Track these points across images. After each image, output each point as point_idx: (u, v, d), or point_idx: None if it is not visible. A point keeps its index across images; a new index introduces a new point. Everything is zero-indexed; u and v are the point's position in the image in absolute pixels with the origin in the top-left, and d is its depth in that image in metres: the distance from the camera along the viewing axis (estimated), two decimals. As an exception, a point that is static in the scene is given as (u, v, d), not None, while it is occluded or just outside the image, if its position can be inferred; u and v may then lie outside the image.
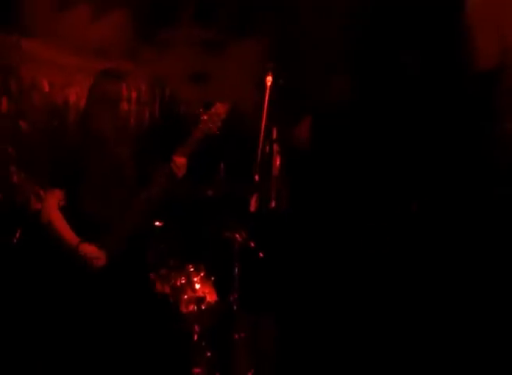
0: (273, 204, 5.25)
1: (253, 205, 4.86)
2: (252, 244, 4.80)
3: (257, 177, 4.55)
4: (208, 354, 4.69)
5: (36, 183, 5.39)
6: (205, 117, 4.30)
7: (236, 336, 4.72)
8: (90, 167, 4.23)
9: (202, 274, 4.90)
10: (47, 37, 6.20)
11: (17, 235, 5.12)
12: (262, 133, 4.59)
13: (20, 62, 6.19)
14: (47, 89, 6.30)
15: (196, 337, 4.68)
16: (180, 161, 4.25)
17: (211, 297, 4.84)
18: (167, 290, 4.78)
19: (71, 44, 6.23)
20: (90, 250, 4.12)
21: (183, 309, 4.73)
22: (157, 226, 4.98)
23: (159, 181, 4.24)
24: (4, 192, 5.37)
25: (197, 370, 4.66)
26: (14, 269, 5.02)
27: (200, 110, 4.33)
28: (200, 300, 4.79)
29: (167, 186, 4.26)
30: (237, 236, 4.74)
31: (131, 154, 4.36)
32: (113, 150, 4.28)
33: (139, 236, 4.25)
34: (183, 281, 4.83)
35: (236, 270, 4.70)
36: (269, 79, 4.58)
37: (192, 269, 4.89)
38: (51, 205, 4.21)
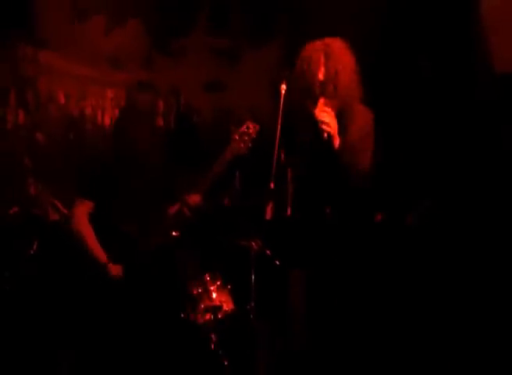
0: (289, 211, 5.23)
1: (268, 213, 4.83)
2: (268, 252, 4.78)
3: (272, 185, 4.51)
4: (225, 363, 4.66)
5: (53, 194, 5.41)
6: (236, 137, 4.25)
7: (254, 345, 4.69)
8: (123, 180, 4.21)
9: (218, 283, 4.88)
10: (63, 49, 6.25)
11: (34, 246, 5.13)
12: (277, 141, 4.56)
13: (37, 74, 6.23)
14: (63, 101, 6.33)
15: (213, 346, 4.65)
16: (194, 200, 4.26)
17: (227, 305, 4.81)
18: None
19: (86, 55, 6.27)
20: (117, 271, 4.11)
21: (200, 318, 4.71)
22: (173, 236, 4.96)
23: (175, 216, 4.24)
24: (21, 203, 5.38)
25: (214, 379, 4.65)
26: (31, 280, 5.03)
27: (232, 128, 4.29)
28: (216, 309, 4.77)
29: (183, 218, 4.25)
30: (253, 244, 4.72)
31: (161, 167, 4.35)
32: (146, 164, 4.26)
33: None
34: (200, 290, 4.80)
35: (253, 279, 4.68)
36: (284, 87, 4.54)
37: (208, 278, 4.86)
38: (81, 216, 4.20)
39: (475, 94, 4.74)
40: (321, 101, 3.94)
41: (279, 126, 4.53)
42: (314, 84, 3.99)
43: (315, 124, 3.87)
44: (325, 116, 3.88)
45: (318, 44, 4.03)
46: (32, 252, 5.12)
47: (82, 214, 4.21)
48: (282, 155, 5.05)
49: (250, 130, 4.26)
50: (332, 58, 3.96)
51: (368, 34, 5.20)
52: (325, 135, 3.89)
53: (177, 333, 4.60)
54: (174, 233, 4.95)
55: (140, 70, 6.46)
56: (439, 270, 4.73)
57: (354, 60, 3.99)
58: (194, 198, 4.23)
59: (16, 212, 5.30)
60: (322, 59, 3.98)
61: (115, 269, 4.11)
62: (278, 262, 4.80)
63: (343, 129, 3.89)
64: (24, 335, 4.88)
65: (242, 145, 4.23)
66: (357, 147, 3.87)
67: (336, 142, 3.92)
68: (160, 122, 4.33)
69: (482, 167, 4.63)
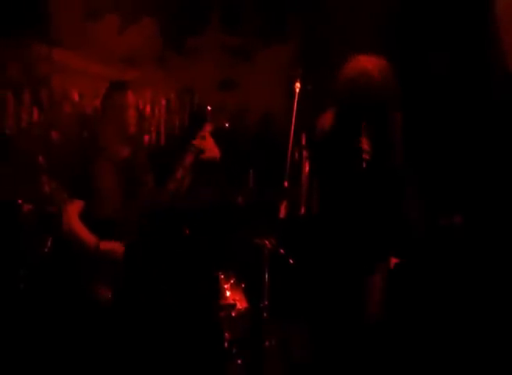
0: (303, 210, 5.24)
1: (282, 212, 4.83)
2: (282, 251, 4.78)
3: (286, 183, 4.51)
4: (239, 361, 4.67)
5: (67, 192, 5.42)
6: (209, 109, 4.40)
7: (267, 343, 4.69)
8: (101, 174, 4.31)
9: (232, 281, 4.89)
10: (76, 47, 6.26)
11: (48, 244, 5.14)
12: (291, 139, 4.56)
13: (51, 72, 6.24)
14: (77, 99, 6.34)
15: (227, 345, 4.66)
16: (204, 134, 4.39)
17: (241, 304, 4.82)
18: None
19: (100, 53, 6.28)
20: (109, 245, 4.23)
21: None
22: (187, 234, 4.98)
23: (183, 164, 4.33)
24: (36, 201, 5.39)
25: (228, 378, 4.66)
26: (46, 278, 5.05)
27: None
28: (230, 307, 4.78)
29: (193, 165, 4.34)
30: (267, 242, 4.71)
31: (145, 158, 4.44)
32: (118, 155, 4.39)
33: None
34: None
35: (266, 277, 4.67)
36: (298, 85, 4.55)
37: (222, 277, 4.87)
38: (72, 215, 4.30)
39: (492, 94, 4.73)
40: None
41: (292, 125, 4.54)
42: None
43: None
44: (365, 143, 3.90)
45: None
46: (46, 250, 5.13)
47: (71, 215, 4.35)
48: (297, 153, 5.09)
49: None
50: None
51: (382, 33, 5.19)
52: (364, 164, 3.91)
53: (191, 330, 4.61)
54: (187, 232, 4.99)
55: (154, 69, 6.47)
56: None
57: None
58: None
59: (30, 210, 5.31)
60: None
61: (108, 244, 4.23)
62: (291, 261, 4.81)
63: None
64: (38, 333, 4.89)
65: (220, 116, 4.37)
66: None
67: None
68: (132, 113, 4.44)
69: (499, 167, 4.62)
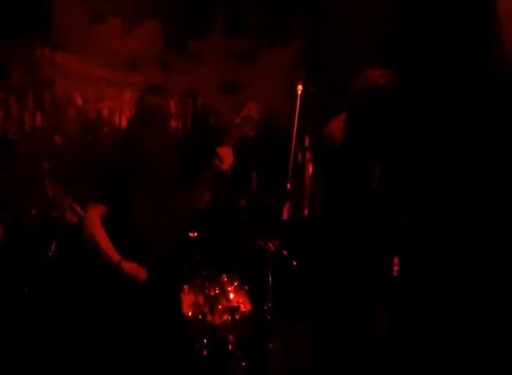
0: (306, 212, 5.24)
1: (285, 214, 4.84)
2: (285, 253, 4.78)
3: (289, 186, 4.51)
4: (243, 364, 4.66)
5: (71, 196, 5.42)
6: (238, 121, 4.26)
7: (271, 345, 4.68)
8: (139, 182, 4.22)
9: (236, 284, 4.88)
10: (80, 51, 6.27)
11: (52, 248, 5.15)
12: (294, 142, 4.56)
13: (54, 76, 6.25)
14: (80, 103, 6.35)
15: (230, 347, 4.65)
16: (223, 150, 4.21)
17: (245, 306, 4.81)
18: (201, 300, 4.77)
19: (103, 57, 6.29)
20: (131, 268, 4.12)
21: (217, 319, 4.71)
22: (191, 236, 4.96)
23: (205, 181, 4.22)
24: (39, 206, 5.39)
25: (232, 380, 4.65)
26: (50, 282, 5.05)
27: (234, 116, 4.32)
28: (234, 310, 4.77)
29: (214, 184, 4.23)
30: (270, 244, 4.72)
31: (177, 167, 4.34)
32: (161, 165, 4.27)
33: (176, 247, 4.26)
34: (217, 291, 4.81)
35: (270, 279, 4.67)
36: (300, 87, 4.55)
37: (226, 279, 4.87)
38: (94, 219, 4.20)
39: (493, 94, 4.72)
40: None
41: (295, 127, 4.55)
42: None
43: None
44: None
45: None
46: (50, 254, 5.14)
47: (94, 218, 4.22)
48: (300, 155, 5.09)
49: (251, 112, 4.26)
50: None
51: (384, 33, 5.19)
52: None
53: (195, 333, 4.60)
54: (191, 234, 4.97)
55: (157, 72, 6.48)
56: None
57: None
58: (223, 149, 4.22)
59: (34, 215, 5.32)
60: None
61: (130, 266, 4.12)
62: (295, 263, 4.81)
63: None
64: (41, 336, 4.90)
65: (245, 128, 4.23)
66: None
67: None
68: (173, 124, 4.30)
69: (500, 167, 4.61)
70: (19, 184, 5.62)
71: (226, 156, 4.19)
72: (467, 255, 4.62)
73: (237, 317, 4.77)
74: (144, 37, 6.45)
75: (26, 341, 4.86)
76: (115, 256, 4.12)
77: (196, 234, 4.98)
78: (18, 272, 5.07)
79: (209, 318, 4.69)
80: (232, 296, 4.84)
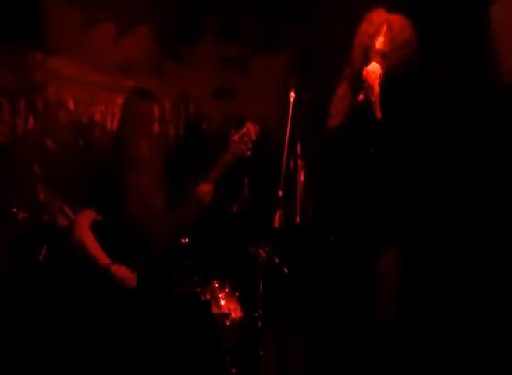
0: (297, 219, 5.24)
1: (277, 221, 4.84)
2: (276, 260, 4.79)
3: (281, 193, 4.52)
4: (234, 370, 4.67)
5: (62, 200, 5.42)
6: (236, 138, 4.26)
7: (262, 352, 4.69)
8: (128, 186, 4.23)
9: (227, 290, 4.90)
10: (72, 55, 6.27)
11: (43, 252, 5.14)
12: (286, 149, 4.56)
13: (46, 80, 6.26)
14: (72, 107, 6.35)
15: (221, 354, 4.66)
16: (207, 188, 4.23)
17: (236, 313, 4.83)
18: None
19: (96, 61, 6.30)
20: (121, 271, 4.12)
21: (208, 326, 4.72)
22: (182, 243, 4.97)
23: (186, 207, 4.23)
24: (31, 210, 5.39)
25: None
26: (41, 286, 5.05)
27: (232, 131, 4.30)
28: (225, 316, 4.78)
29: (194, 211, 4.24)
30: (262, 251, 4.72)
31: (164, 170, 4.35)
32: (149, 168, 4.28)
33: (166, 254, 4.25)
34: (208, 297, 4.82)
35: (261, 286, 4.68)
36: (292, 95, 4.56)
37: (217, 286, 4.88)
38: (83, 224, 4.21)
39: (487, 102, 4.75)
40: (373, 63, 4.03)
41: (287, 134, 4.55)
42: (370, 48, 4.08)
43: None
44: (371, 78, 3.96)
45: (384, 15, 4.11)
46: (41, 258, 5.13)
47: (83, 223, 4.24)
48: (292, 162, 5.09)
49: (250, 132, 4.27)
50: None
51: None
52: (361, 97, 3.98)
53: (186, 338, 4.60)
54: (183, 240, 4.97)
55: (149, 77, 6.48)
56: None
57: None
58: (206, 187, 4.23)
59: (25, 219, 5.31)
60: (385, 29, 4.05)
61: (120, 269, 4.12)
62: (286, 270, 4.82)
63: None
64: (33, 340, 4.89)
65: (242, 147, 4.24)
66: None
67: (378, 113, 3.98)
68: (156, 128, 4.34)
69: (496, 175, 4.64)
70: (10, 188, 5.61)
71: (207, 195, 4.23)
72: (467, 254, 4.64)
73: (228, 323, 4.78)
74: (136, 42, 6.46)
75: (18, 345, 4.85)
76: (104, 260, 4.13)
77: (187, 241, 5.00)
78: (8, 276, 5.06)
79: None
80: (223, 303, 4.86)
